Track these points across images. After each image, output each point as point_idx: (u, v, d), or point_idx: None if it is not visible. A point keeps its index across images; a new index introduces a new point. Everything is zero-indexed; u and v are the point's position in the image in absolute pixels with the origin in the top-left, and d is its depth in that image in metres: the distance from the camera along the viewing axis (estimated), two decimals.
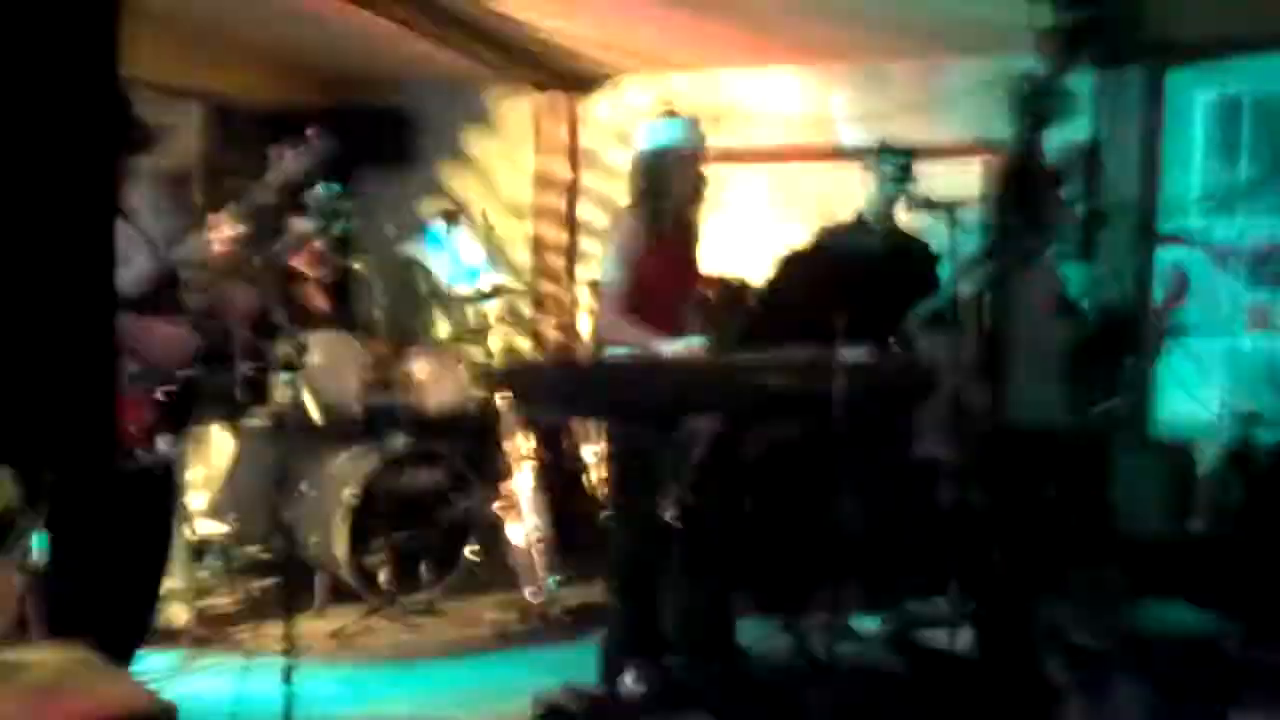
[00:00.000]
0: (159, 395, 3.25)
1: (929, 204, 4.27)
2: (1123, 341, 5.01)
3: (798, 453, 4.82)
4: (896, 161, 4.87)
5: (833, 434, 3.47)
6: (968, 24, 5.29)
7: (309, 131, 3.54)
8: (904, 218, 4.87)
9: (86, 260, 1.62)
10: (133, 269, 3.20)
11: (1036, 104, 4.89)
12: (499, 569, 5.19)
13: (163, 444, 3.28)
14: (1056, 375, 4.61)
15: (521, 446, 5.17)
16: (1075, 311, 4.80)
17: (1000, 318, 4.25)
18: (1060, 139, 5.00)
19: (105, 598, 3.27)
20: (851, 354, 3.47)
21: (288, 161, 3.47)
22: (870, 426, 4.84)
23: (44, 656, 2.31)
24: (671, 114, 4.09)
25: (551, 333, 6.79)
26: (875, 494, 4.97)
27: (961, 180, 5.28)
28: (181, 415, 3.36)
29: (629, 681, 3.91)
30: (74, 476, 3.07)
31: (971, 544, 4.49)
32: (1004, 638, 4.29)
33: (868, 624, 4.69)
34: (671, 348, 3.80)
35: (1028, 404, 4.42)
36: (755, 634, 4.42)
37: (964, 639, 4.23)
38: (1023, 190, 4.98)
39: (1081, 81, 5.07)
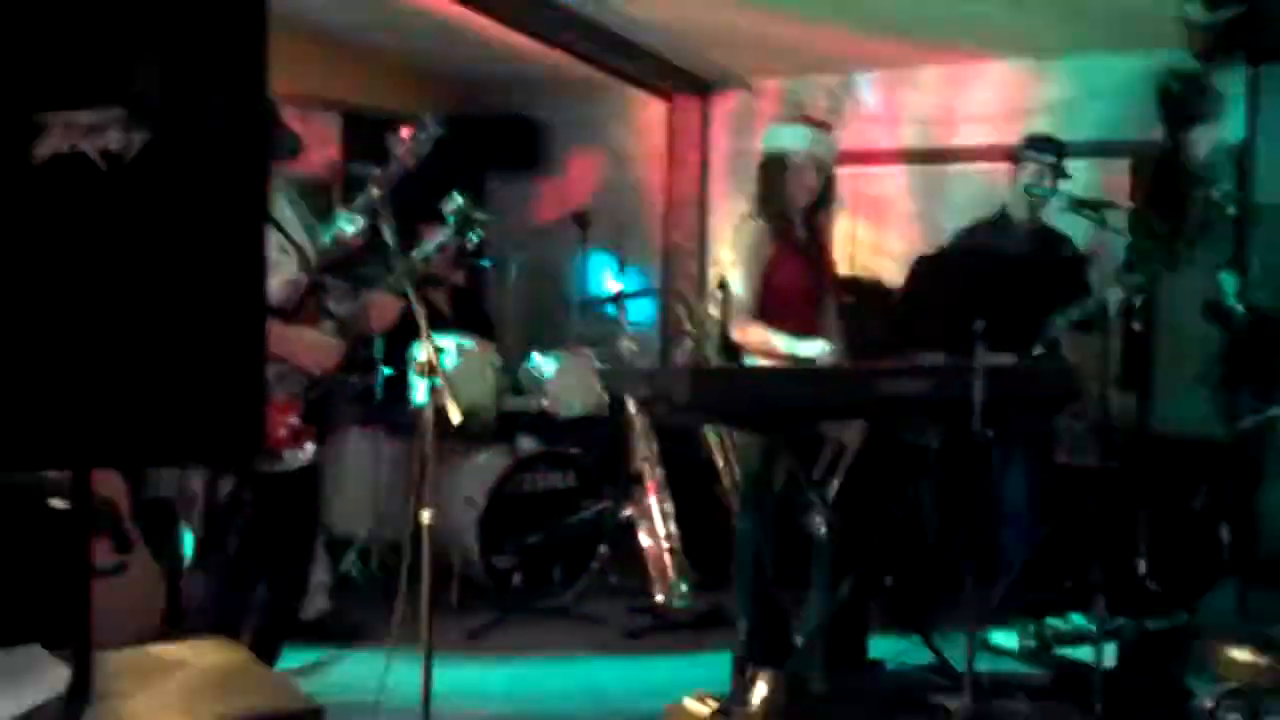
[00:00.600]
0: (305, 399, 3.33)
1: (1078, 203, 4.14)
2: (1277, 347, 4.80)
3: (937, 461, 4.73)
4: (1046, 158, 4.73)
5: (973, 442, 3.39)
6: (1113, 18, 5.12)
7: (422, 119, 3.57)
8: (1052, 217, 4.73)
9: (240, 266, 1.65)
10: (280, 276, 3.29)
11: (1185, 102, 4.72)
12: (630, 572, 5.20)
13: (308, 446, 3.36)
14: (1208, 382, 4.44)
15: (653, 450, 5.17)
16: (1228, 316, 4.60)
17: (1149, 322, 4.11)
18: (1210, 138, 4.83)
19: (251, 595, 3.36)
20: (993, 359, 3.39)
21: (401, 150, 3.51)
22: (1013, 434, 4.75)
23: (202, 654, 2.36)
24: (798, 117, 4.04)
25: (683, 337, 6.77)
26: (1018, 503, 4.85)
27: (1108, 180, 5.12)
28: (326, 418, 3.44)
29: (760, 690, 3.87)
30: (225, 477, 3.17)
31: (1118, 555, 4.35)
32: (1148, 652, 4.14)
33: (1008, 638, 4.58)
34: (800, 351, 3.76)
35: (1177, 411, 4.27)
36: (891, 647, 4.35)
37: (1108, 653, 4.10)
38: (1171, 191, 4.81)
39: (1232, 79, 4.88)
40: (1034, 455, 4.83)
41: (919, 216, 6.04)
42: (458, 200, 4.84)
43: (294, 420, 3.30)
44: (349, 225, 3.46)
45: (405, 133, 3.52)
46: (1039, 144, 4.81)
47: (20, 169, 1.42)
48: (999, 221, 4.84)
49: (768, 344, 3.86)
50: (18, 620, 3.47)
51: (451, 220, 5.03)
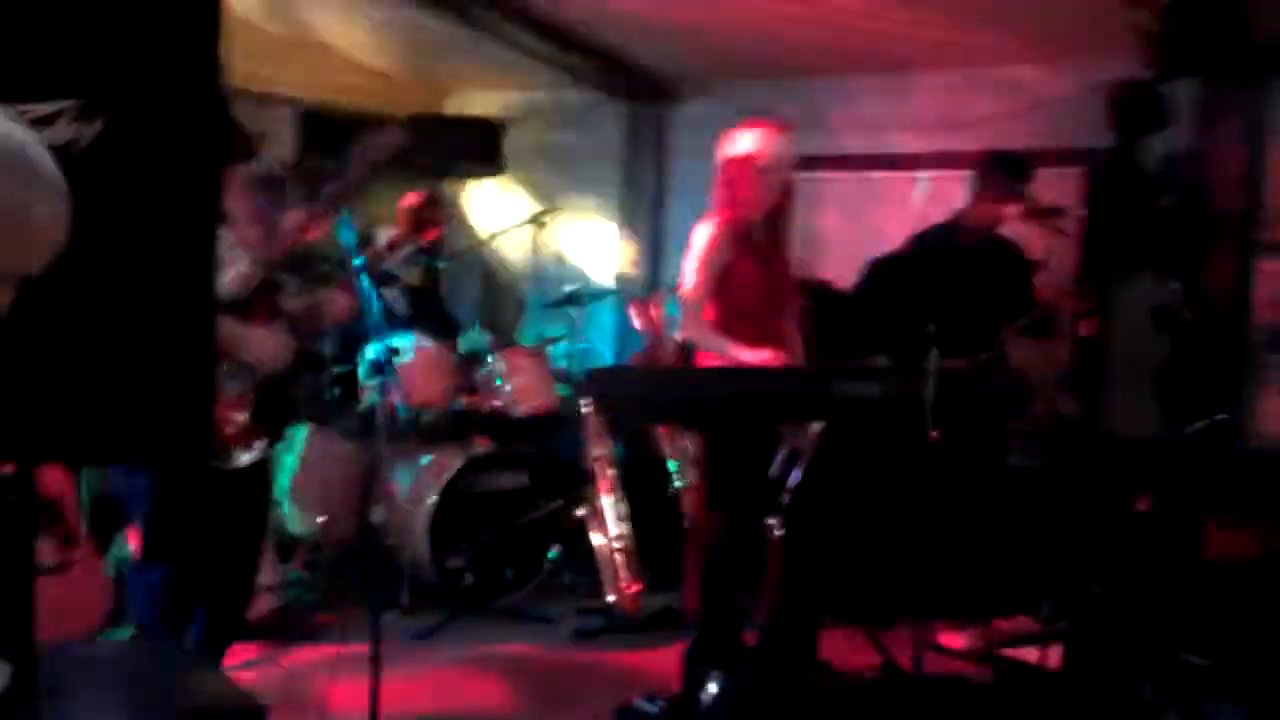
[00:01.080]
0: (256, 397, 3.31)
1: (1031, 211, 4.19)
2: (1224, 355, 4.88)
3: (888, 462, 4.76)
4: (1008, 168, 4.77)
5: (924, 444, 3.41)
6: (1066, 26, 5.18)
7: (385, 125, 3.58)
8: (1004, 226, 4.78)
9: (188, 264, 1.64)
10: (231, 273, 3.26)
11: (1137, 110, 4.79)
12: (582, 572, 5.20)
13: (257, 444, 3.34)
14: (1155, 388, 4.51)
15: (606, 450, 5.18)
16: (1175, 322, 4.68)
17: (1100, 327, 4.16)
18: (1160, 147, 4.89)
19: (198, 593, 3.33)
20: (943, 362, 3.42)
21: (361, 156, 3.51)
22: (963, 437, 4.80)
23: (145, 652, 2.34)
24: (756, 123, 4.06)
25: (637, 338, 6.79)
26: (967, 505, 4.90)
27: (1060, 187, 5.18)
28: (276, 416, 3.42)
29: (710, 691, 3.89)
30: (172, 475, 3.14)
31: (1065, 558, 4.40)
32: (1096, 654, 4.19)
33: (955, 637, 4.62)
34: (750, 357, 3.77)
35: (1125, 416, 4.33)
36: (840, 646, 4.38)
37: (1054, 655, 4.15)
38: (1121, 199, 4.88)
39: (1183, 87, 4.95)
40: (985, 457, 4.89)
41: (872, 221, 6.08)
42: (412, 201, 4.85)
43: (243, 418, 3.27)
44: (295, 222, 3.45)
45: (368, 139, 3.52)
46: (1001, 155, 4.84)
47: None
48: (952, 227, 4.89)
49: (714, 348, 3.88)
50: None
51: (411, 216, 5.05)
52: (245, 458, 3.29)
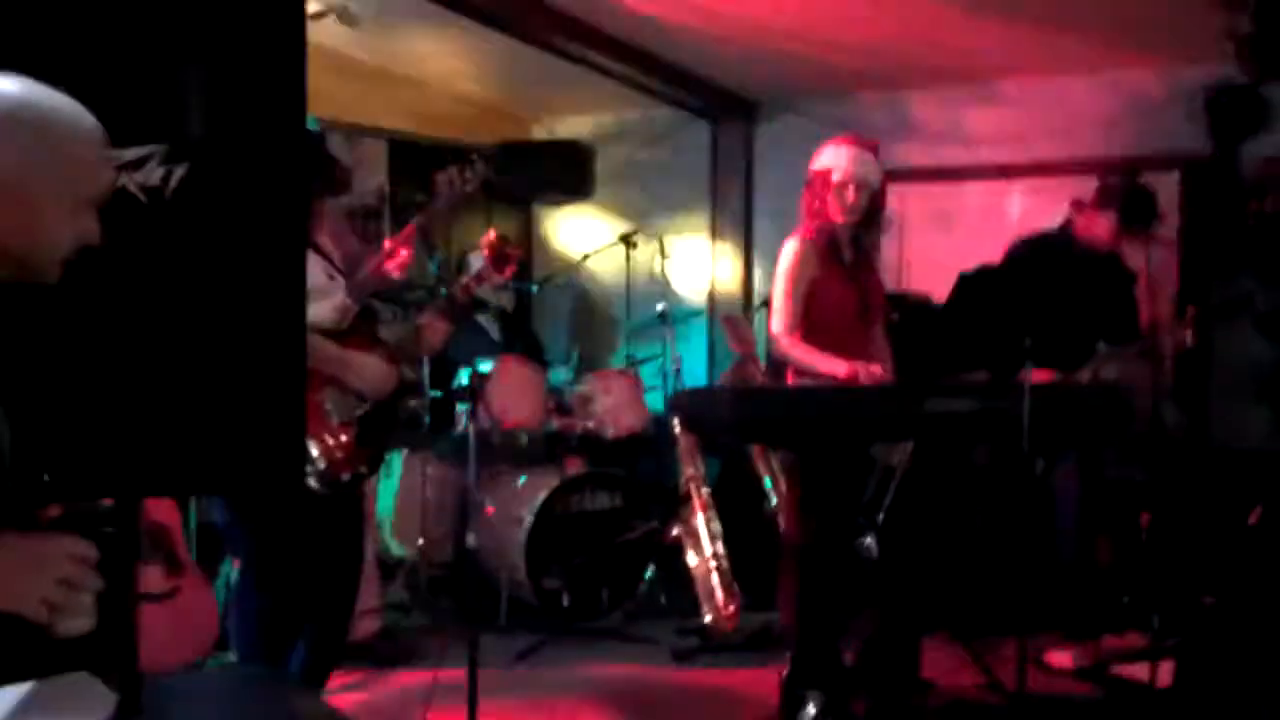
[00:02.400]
0: (359, 423, 3.37)
1: (1130, 229, 4.10)
2: None
3: (986, 479, 4.69)
4: (1138, 208, 4.65)
5: (1024, 460, 3.35)
6: (1161, 31, 5.07)
7: (471, 157, 3.64)
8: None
9: (280, 299, 1.68)
10: (329, 303, 3.34)
11: (1235, 115, 4.65)
12: (678, 593, 5.19)
13: (362, 469, 3.40)
14: (1261, 397, 4.36)
15: (699, 470, 5.17)
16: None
17: (1201, 337, 4.04)
18: (1261, 150, 4.74)
19: (301, 618, 3.39)
20: (1041, 376, 3.36)
21: (446, 188, 3.57)
22: (1063, 450, 4.70)
23: (250, 678, 2.38)
24: (843, 138, 4.03)
25: (728, 356, 6.77)
26: (1070, 521, 4.80)
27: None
28: (379, 442, 3.48)
29: (810, 712, 3.85)
30: (270, 502, 3.20)
31: (1175, 572, 4.28)
32: (1209, 671, 4.07)
33: (1062, 654, 4.52)
34: (839, 371, 3.73)
35: (1232, 427, 4.20)
36: (943, 666, 4.31)
37: (1165, 672, 4.04)
38: (1220, 205, 4.74)
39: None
40: (1085, 471, 4.78)
41: (969, 233, 6.00)
42: (491, 234, 4.95)
43: (349, 443, 3.33)
44: (386, 256, 3.52)
45: (451, 173, 3.58)
46: (1136, 203, 4.70)
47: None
48: (1060, 237, 4.78)
49: (810, 361, 3.84)
50: (66, 647, 3.52)
51: (490, 253, 5.14)
52: (348, 482, 3.35)
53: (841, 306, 3.93)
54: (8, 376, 1.49)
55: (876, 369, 3.78)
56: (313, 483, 3.23)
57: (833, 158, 3.94)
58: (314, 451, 3.22)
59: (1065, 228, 4.81)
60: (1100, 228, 4.60)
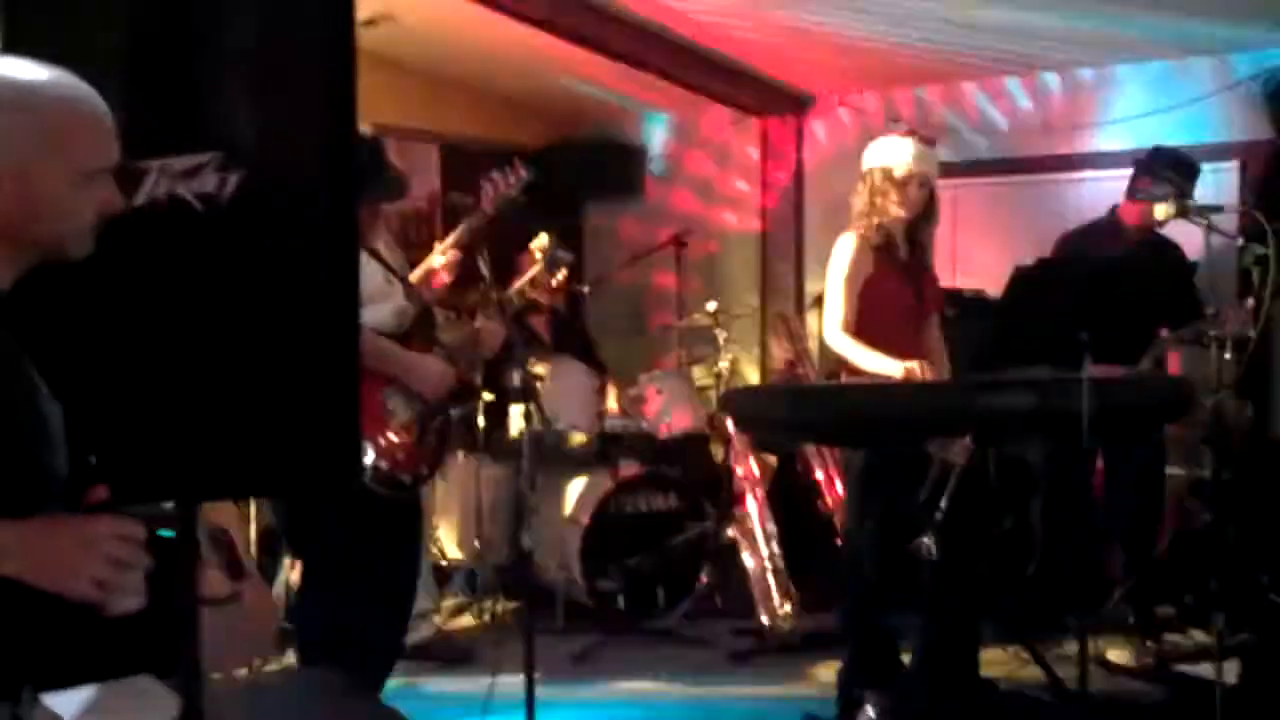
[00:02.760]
0: (420, 425, 3.39)
1: (1185, 209, 4.03)
2: None
3: (1045, 475, 4.63)
4: (1172, 166, 4.57)
5: (1083, 456, 3.31)
6: (1218, 19, 4.99)
7: (515, 162, 3.67)
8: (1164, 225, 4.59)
9: (334, 301, 1.69)
10: (388, 307, 3.37)
11: None
12: (734, 594, 5.17)
13: (423, 471, 3.42)
14: None
15: (754, 470, 5.15)
16: None
17: (1266, 328, 3.96)
18: None
19: (360, 620, 3.41)
20: (1099, 371, 3.31)
21: (491, 195, 3.60)
22: (1122, 446, 4.63)
23: (311, 681, 2.40)
24: (901, 131, 4.00)
25: (780, 356, 6.74)
26: (1131, 516, 4.73)
27: (1215, 184, 4.98)
28: (438, 444, 3.50)
29: (869, 713, 3.82)
30: (331, 504, 3.23)
31: (1239, 569, 4.20)
32: (1271, 669, 4.00)
33: (1123, 653, 4.45)
34: (894, 367, 3.70)
35: None
36: (1002, 665, 4.26)
37: (1229, 670, 3.97)
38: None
39: None
40: (1145, 467, 4.71)
41: (1023, 226, 5.93)
42: (544, 239, 4.98)
43: (410, 444, 3.36)
44: (439, 262, 3.55)
45: (496, 178, 3.61)
46: (1168, 162, 4.62)
47: (121, 215, 1.48)
48: (1109, 226, 4.72)
49: (858, 360, 3.81)
50: (129, 650, 3.57)
51: (540, 257, 5.20)
52: (408, 485, 3.37)
53: (897, 303, 3.89)
54: (65, 372, 1.51)
55: (931, 370, 3.73)
56: (374, 484, 3.25)
57: (896, 153, 3.90)
58: (374, 453, 3.25)
59: (1112, 214, 4.74)
60: (1146, 208, 4.52)
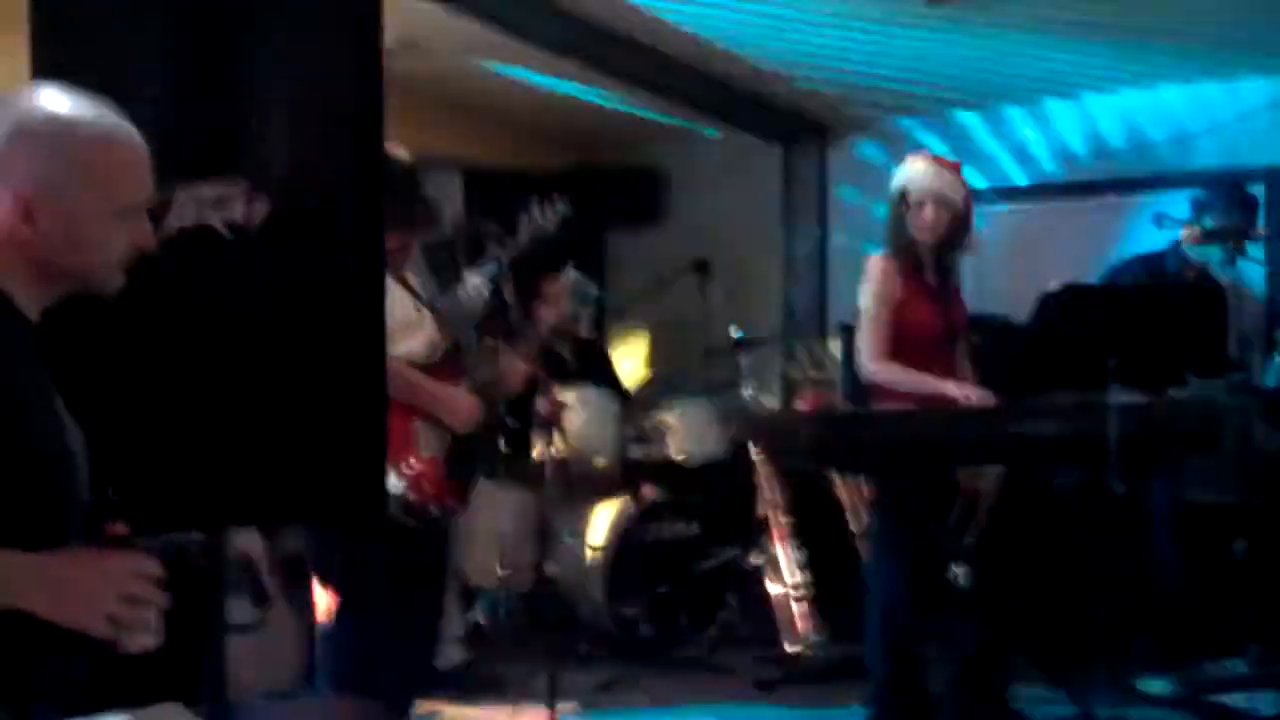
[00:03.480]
0: (448, 457, 3.40)
1: (1210, 233, 3.99)
2: None
3: (1075, 503, 4.58)
4: (1240, 203, 4.54)
5: (1111, 483, 3.27)
6: (1241, 42, 4.96)
7: (552, 195, 3.69)
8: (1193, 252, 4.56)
9: (360, 331, 1.69)
10: (420, 338, 3.38)
11: None
12: (759, 622, 5.13)
13: (452, 502, 3.42)
14: None
15: (779, 497, 5.12)
16: None
17: None
18: None
19: (388, 649, 3.40)
20: (1127, 397, 3.28)
21: (530, 222, 3.63)
22: (1152, 474, 4.58)
23: (335, 709, 2.39)
24: (927, 157, 3.99)
25: (804, 383, 6.72)
26: (1161, 545, 4.67)
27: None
28: (467, 475, 3.51)
29: None
30: (360, 534, 3.22)
31: (1273, 597, 4.15)
32: None
33: (1156, 686, 4.39)
34: (945, 391, 3.65)
35: None
36: (1034, 696, 4.21)
37: (1265, 701, 3.91)
38: None
39: None
40: (1176, 493, 4.66)
41: (1050, 252, 5.90)
42: (571, 274, 5.03)
43: (438, 476, 3.36)
44: (471, 291, 3.57)
45: (533, 212, 3.63)
46: (1235, 198, 4.58)
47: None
48: (1178, 255, 4.66)
49: (896, 383, 3.77)
50: (155, 677, 3.57)
51: (568, 294, 5.23)
52: (437, 514, 3.37)
53: (926, 328, 3.85)
54: (94, 401, 1.51)
55: (977, 391, 3.68)
56: (404, 516, 3.25)
57: (908, 174, 3.90)
58: (404, 484, 3.25)
59: (1175, 246, 4.68)
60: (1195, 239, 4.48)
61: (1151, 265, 4.68)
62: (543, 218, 3.67)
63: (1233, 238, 4.05)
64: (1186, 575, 4.69)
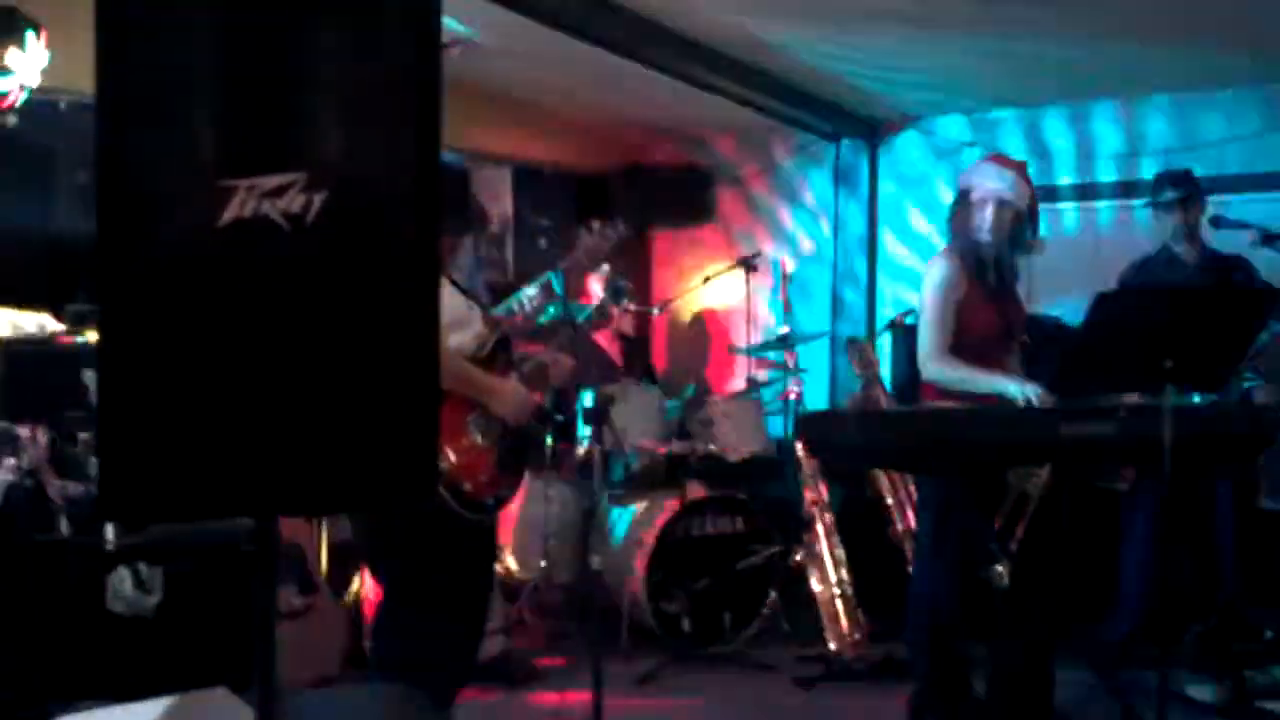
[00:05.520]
0: (500, 448, 3.43)
1: (1269, 237, 3.96)
2: None
3: (1124, 505, 4.55)
4: (1175, 191, 4.60)
5: (1163, 486, 3.23)
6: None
7: (613, 214, 3.72)
8: (1215, 242, 4.56)
9: (415, 317, 1.70)
10: (469, 332, 3.41)
11: None
12: (801, 619, 5.13)
13: (503, 493, 3.46)
14: None
15: (822, 494, 5.12)
16: None
17: None
18: None
19: (435, 637, 3.43)
20: (1181, 399, 3.24)
21: (587, 247, 3.66)
22: (1205, 478, 4.53)
23: (380, 697, 2.42)
24: (992, 158, 3.97)
25: (852, 380, 6.70)
26: (1212, 549, 4.62)
27: None
28: (518, 466, 3.54)
29: None
30: (416, 524, 3.26)
31: None
32: None
33: (1202, 689, 4.35)
34: (1009, 390, 3.62)
35: None
36: (1078, 696, 4.18)
37: None
38: None
39: None
40: (1236, 498, 4.61)
41: (1096, 253, 5.85)
42: (605, 269, 5.04)
43: (491, 466, 3.39)
44: (525, 301, 3.60)
45: (595, 230, 3.66)
46: (1166, 183, 4.68)
47: (207, 232, 1.50)
48: (1165, 257, 4.71)
49: (965, 382, 3.74)
50: (205, 662, 3.62)
51: (606, 291, 5.25)
52: (488, 506, 3.40)
53: (985, 329, 3.83)
54: (143, 388, 1.53)
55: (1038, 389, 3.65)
56: (458, 506, 3.28)
57: (972, 175, 3.90)
58: (459, 475, 3.28)
59: (1168, 245, 4.72)
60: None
61: (1163, 265, 4.69)
62: (604, 238, 3.70)
63: None
64: (1240, 580, 4.64)
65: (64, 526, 3.78)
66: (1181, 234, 4.68)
